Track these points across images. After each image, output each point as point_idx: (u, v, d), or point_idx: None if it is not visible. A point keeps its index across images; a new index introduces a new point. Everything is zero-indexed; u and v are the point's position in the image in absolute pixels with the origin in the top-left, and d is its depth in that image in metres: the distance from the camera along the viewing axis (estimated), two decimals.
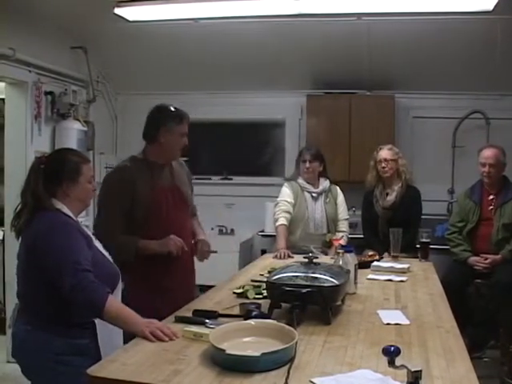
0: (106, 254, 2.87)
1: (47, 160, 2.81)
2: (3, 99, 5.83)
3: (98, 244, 2.85)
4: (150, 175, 3.55)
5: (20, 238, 2.74)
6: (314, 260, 2.91)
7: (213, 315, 2.65)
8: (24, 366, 2.68)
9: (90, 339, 2.62)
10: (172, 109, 3.68)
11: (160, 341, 2.31)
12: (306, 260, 2.91)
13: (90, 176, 2.85)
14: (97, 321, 2.62)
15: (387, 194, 5.22)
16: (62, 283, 2.49)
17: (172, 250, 3.43)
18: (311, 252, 3.03)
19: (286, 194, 5.02)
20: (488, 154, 5.07)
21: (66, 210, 2.72)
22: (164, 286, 3.43)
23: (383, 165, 5.16)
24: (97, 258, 2.72)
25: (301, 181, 5.06)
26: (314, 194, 5.04)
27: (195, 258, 3.82)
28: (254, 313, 2.56)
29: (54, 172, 2.75)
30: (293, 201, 4.97)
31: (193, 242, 3.81)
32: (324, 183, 5.09)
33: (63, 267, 2.50)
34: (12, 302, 5.30)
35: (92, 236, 2.84)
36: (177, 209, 3.66)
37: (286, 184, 5.13)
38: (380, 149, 5.25)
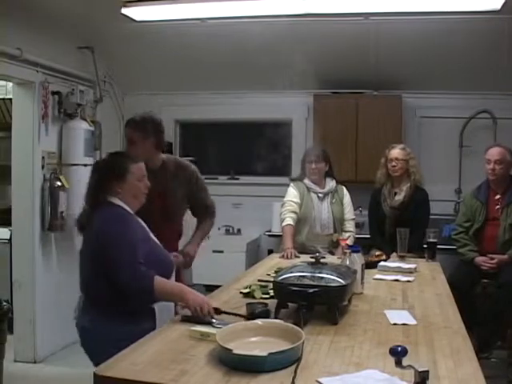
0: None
1: (101, 162, 3.18)
2: (10, 99, 5.85)
3: (151, 235, 3.08)
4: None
5: (82, 235, 3.05)
6: (321, 260, 2.92)
7: (216, 313, 2.67)
8: (92, 357, 2.86)
9: (153, 324, 2.79)
10: None
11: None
12: (313, 260, 2.92)
13: (140, 175, 3.09)
14: (156, 306, 2.87)
15: (395, 194, 5.21)
16: (117, 276, 2.75)
17: None
18: (318, 252, 3.03)
19: (293, 194, 5.02)
20: (494, 151, 5.07)
21: (121, 203, 2.99)
22: None
23: (394, 163, 5.15)
24: (153, 247, 3.00)
25: (307, 181, 5.05)
26: (320, 195, 5.04)
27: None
28: (257, 310, 2.61)
29: (105, 172, 3.05)
30: (299, 201, 4.97)
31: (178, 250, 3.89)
32: (330, 183, 5.09)
33: (119, 261, 2.76)
34: (20, 301, 5.35)
35: (146, 227, 3.07)
36: (162, 213, 3.74)
37: (292, 184, 5.13)
38: (392, 147, 5.24)
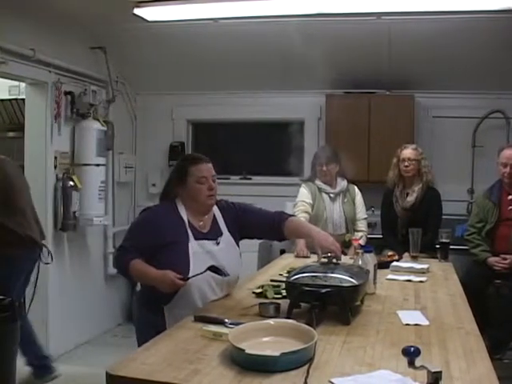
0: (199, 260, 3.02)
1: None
2: (23, 99, 5.87)
3: (196, 248, 3.03)
4: None
5: None
6: (334, 260, 2.91)
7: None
8: (137, 336, 3.09)
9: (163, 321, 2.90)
10: None
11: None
12: (326, 260, 2.92)
13: (200, 176, 3.14)
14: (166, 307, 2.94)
15: (407, 195, 5.19)
16: None
17: None
18: (330, 252, 3.03)
19: (304, 194, 5.02)
20: (509, 154, 5.03)
21: (179, 205, 3.13)
22: None
23: (406, 164, 5.14)
24: (172, 255, 2.97)
25: (318, 182, 5.06)
26: (331, 195, 5.04)
27: None
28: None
29: (171, 176, 3.27)
30: (311, 201, 4.98)
31: None
32: (341, 183, 5.09)
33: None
34: (32, 301, 5.36)
35: (192, 237, 3.05)
36: None
37: (303, 185, 5.13)
38: (404, 147, 5.23)
